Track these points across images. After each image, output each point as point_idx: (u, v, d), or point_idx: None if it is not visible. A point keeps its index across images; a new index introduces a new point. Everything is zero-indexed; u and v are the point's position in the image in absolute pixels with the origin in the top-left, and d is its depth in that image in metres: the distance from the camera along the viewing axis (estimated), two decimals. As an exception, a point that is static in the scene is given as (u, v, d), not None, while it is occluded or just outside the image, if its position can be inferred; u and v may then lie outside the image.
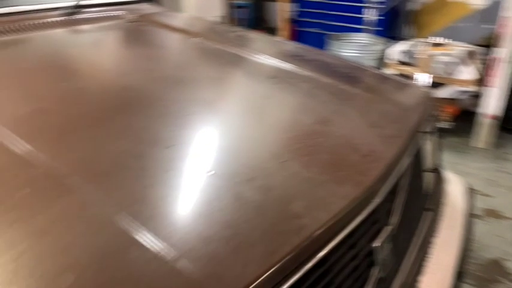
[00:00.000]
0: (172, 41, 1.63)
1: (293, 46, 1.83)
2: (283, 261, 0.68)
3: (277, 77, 1.33)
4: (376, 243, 0.89)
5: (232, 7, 5.08)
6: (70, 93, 1.08)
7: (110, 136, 0.90)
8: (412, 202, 1.13)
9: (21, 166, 0.78)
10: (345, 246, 0.81)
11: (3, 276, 0.59)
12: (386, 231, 0.93)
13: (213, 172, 0.82)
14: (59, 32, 1.50)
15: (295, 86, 1.30)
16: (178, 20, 1.98)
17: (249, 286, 0.63)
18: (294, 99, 1.23)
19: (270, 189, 0.81)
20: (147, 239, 0.66)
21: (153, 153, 0.85)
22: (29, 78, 1.14)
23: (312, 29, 4.48)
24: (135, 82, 1.16)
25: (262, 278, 0.65)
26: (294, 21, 4.62)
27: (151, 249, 0.64)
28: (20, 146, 0.82)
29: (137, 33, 1.62)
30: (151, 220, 0.69)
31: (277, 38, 2.22)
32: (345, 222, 0.81)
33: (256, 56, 1.47)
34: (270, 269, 0.66)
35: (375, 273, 0.89)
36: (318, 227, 0.75)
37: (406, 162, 1.08)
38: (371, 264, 0.89)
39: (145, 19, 1.74)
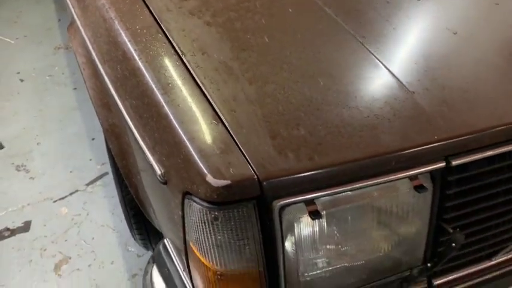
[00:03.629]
0: None
1: None
2: (506, 127, 0.69)
3: None
4: None
5: None
6: None
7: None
8: None
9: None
10: None
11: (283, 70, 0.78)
12: None
13: (456, 32, 0.83)
14: None
15: None
16: None
17: (471, 134, 0.67)
18: None
19: None
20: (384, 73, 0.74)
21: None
22: None
23: None
24: None
25: (485, 132, 0.68)
26: None
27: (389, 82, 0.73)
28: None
29: None
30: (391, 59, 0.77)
31: None
32: None
33: None
34: (493, 128, 0.69)
35: None
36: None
37: None
38: None
39: None
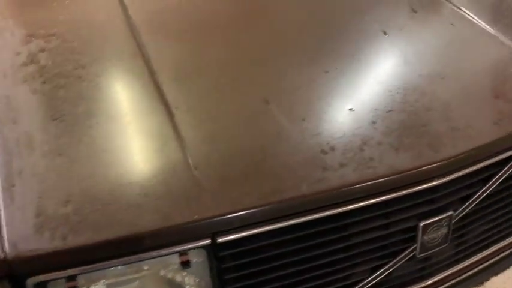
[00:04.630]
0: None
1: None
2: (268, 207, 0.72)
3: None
4: (423, 222, 0.83)
5: None
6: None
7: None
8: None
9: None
10: (380, 210, 0.80)
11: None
12: (443, 216, 0.84)
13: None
14: None
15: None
16: None
17: (233, 213, 0.71)
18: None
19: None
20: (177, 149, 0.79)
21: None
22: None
23: None
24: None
25: (248, 211, 0.72)
26: None
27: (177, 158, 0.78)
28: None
29: None
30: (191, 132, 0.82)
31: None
32: (390, 187, 0.77)
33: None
34: (259, 207, 0.73)
35: (409, 250, 0.84)
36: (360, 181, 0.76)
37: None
38: (410, 240, 0.84)
39: None
